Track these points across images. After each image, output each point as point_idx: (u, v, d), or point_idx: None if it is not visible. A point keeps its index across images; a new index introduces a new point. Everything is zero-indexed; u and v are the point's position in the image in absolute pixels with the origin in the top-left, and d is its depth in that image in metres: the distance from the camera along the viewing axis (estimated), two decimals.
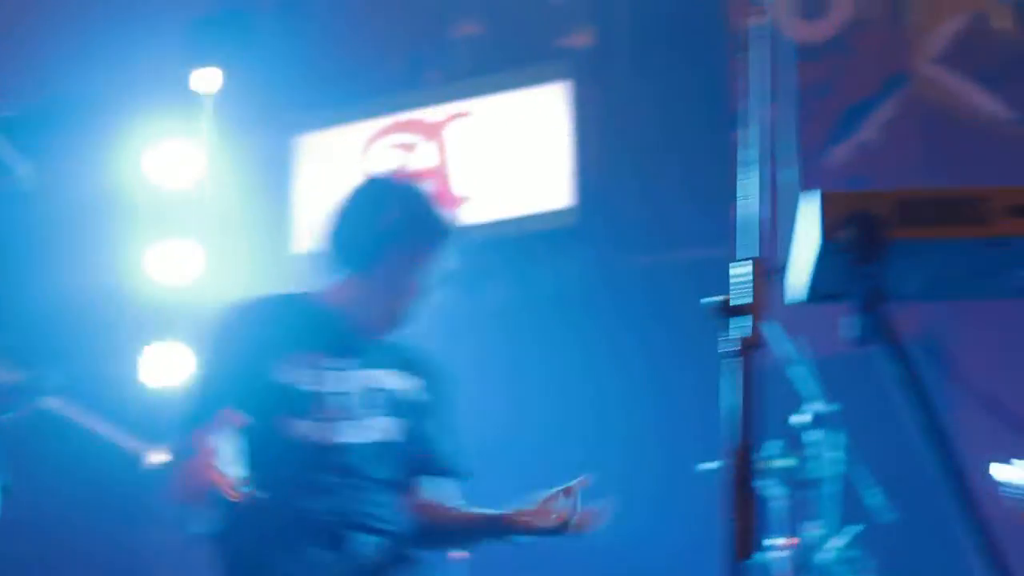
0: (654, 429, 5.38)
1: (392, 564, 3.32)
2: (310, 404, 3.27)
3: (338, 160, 6.90)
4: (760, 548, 4.43)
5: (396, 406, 3.42)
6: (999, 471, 3.39)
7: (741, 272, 1.96)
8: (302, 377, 3.28)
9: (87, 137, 6.46)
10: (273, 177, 6.95)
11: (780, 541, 4.77)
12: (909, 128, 6.56)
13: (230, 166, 6.66)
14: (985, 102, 6.42)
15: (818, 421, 4.58)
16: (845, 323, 1.89)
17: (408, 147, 7.03)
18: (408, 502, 3.44)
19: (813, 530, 4.72)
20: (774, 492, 4.87)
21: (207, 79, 6.53)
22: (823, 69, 6.70)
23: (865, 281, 1.88)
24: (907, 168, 6.48)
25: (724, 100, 5.82)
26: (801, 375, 4.25)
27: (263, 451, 3.13)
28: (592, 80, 6.88)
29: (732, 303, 1.94)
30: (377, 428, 3.37)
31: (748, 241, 2.01)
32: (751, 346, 1.93)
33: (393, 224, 3.38)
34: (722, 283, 1.96)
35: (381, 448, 3.37)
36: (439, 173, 6.92)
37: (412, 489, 3.45)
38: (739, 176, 2.07)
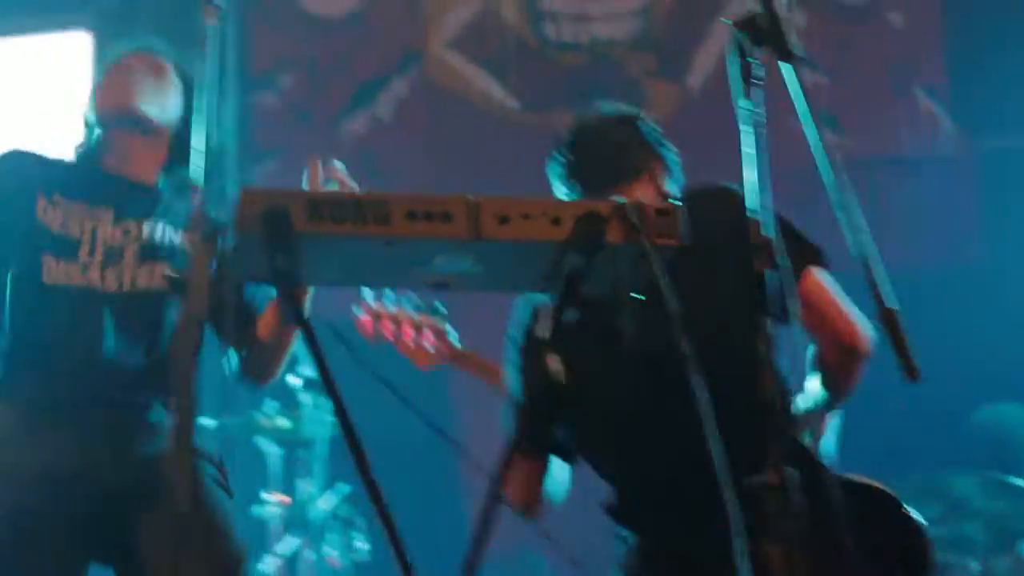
0: None
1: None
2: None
3: None
4: (258, 502, 4.85)
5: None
6: None
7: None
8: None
9: None
10: None
11: (275, 497, 4.96)
12: (420, 106, 6.89)
13: None
14: (491, 88, 6.82)
15: (310, 384, 4.71)
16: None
17: None
18: None
19: (306, 488, 4.93)
20: (270, 450, 5.02)
21: None
22: (340, 43, 6.94)
23: (277, 269, 2.06)
24: (416, 145, 6.76)
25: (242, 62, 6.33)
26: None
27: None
28: (116, 31, 6.50)
29: (177, 278, 2.18)
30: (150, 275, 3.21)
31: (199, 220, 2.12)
32: (191, 319, 2.05)
33: None
34: None
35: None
36: None
37: None
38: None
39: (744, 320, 2.07)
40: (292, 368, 4.82)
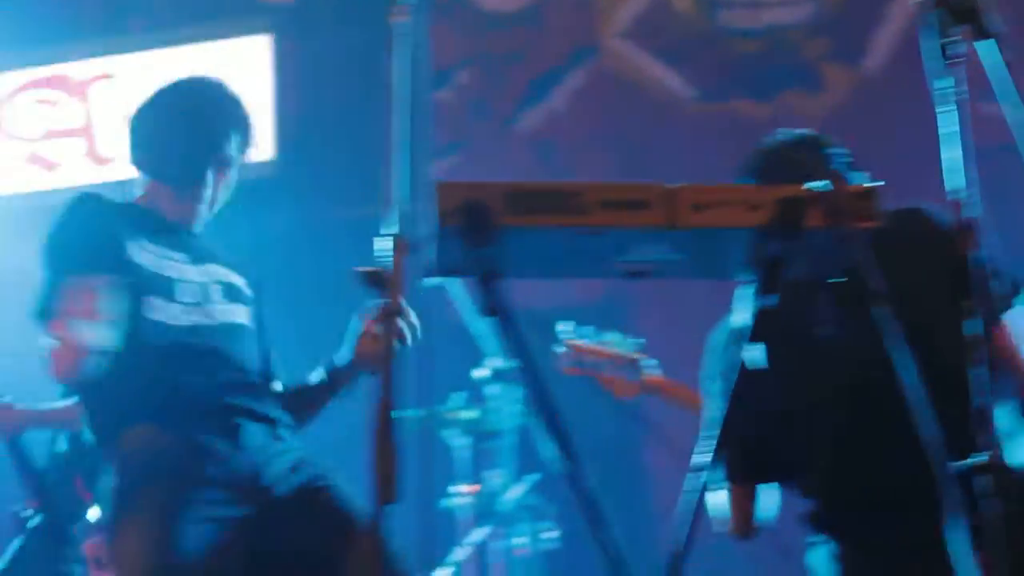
0: None
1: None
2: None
3: None
4: (446, 495, 4.84)
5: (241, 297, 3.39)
6: None
7: (384, 245, 2.22)
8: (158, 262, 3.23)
9: None
10: None
11: (463, 488, 4.92)
12: (595, 98, 6.85)
13: None
14: (667, 77, 6.81)
15: (497, 376, 4.68)
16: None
17: (51, 104, 7.05)
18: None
19: (495, 478, 4.89)
20: (458, 442, 4.98)
21: None
22: (515, 38, 6.99)
23: (478, 261, 2.11)
24: (593, 136, 6.74)
25: (424, 59, 5.43)
26: (482, 332, 3.82)
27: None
28: (295, 34, 6.67)
29: (371, 273, 2.26)
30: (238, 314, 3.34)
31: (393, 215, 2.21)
32: (390, 313, 2.20)
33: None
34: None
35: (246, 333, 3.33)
36: (85, 132, 6.96)
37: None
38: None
39: (949, 303, 2.06)
40: (479, 361, 4.82)
